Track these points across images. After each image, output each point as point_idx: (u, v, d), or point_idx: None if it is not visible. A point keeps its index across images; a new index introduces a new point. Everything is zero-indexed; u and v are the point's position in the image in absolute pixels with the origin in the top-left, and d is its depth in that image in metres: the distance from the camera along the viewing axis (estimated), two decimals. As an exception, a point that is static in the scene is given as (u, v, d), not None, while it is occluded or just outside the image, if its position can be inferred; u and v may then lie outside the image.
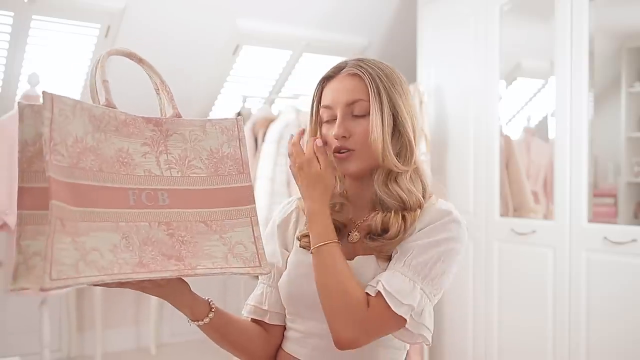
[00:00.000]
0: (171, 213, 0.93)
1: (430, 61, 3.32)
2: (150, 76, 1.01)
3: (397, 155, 1.08)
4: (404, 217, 1.07)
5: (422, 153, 3.07)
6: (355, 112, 1.08)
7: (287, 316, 1.15)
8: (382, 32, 3.69)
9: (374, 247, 1.06)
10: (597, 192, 2.84)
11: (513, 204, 3.06)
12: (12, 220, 2.67)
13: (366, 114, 1.08)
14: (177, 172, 0.95)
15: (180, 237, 0.92)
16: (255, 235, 0.99)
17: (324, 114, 1.11)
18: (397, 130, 1.08)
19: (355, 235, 1.12)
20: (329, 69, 1.13)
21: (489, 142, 2.99)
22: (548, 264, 2.72)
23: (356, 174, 1.11)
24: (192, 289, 1.04)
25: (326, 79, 1.13)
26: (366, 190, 1.13)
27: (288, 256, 1.16)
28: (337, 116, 1.09)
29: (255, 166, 3.23)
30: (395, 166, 1.07)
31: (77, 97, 3.38)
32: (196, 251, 0.93)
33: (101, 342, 3.56)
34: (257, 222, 1.00)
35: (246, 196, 1.00)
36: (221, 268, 0.94)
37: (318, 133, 1.14)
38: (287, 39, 3.51)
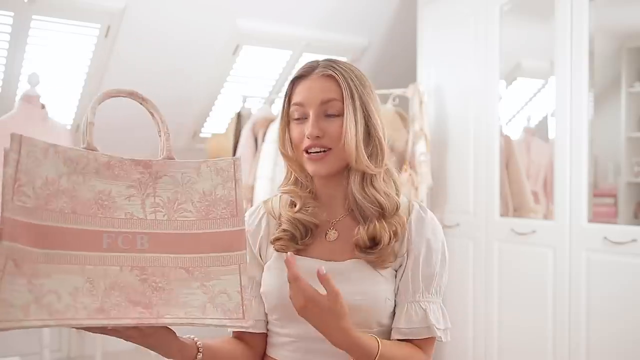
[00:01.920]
0: (148, 258, 0.89)
1: (430, 61, 3.32)
2: (152, 115, 1.00)
3: (369, 156, 1.10)
4: (389, 224, 1.09)
5: (422, 153, 3.07)
6: (329, 112, 1.09)
7: (273, 322, 1.14)
8: (382, 32, 3.69)
9: (371, 259, 1.08)
10: (597, 192, 2.84)
11: (513, 204, 3.06)
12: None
13: (339, 114, 1.09)
14: (163, 215, 0.92)
15: (153, 283, 0.88)
16: (243, 284, 0.93)
17: (295, 112, 1.12)
18: (369, 132, 1.10)
19: (332, 234, 1.13)
20: (301, 69, 1.14)
21: (489, 142, 2.99)
22: (548, 264, 2.72)
23: (327, 176, 1.12)
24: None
25: (298, 78, 1.13)
26: (336, 190, 1.15)
27: (264, 263, 1.16)
28: (308, 115, 1.10)
29: (255, 166, 3.23)
30: (368, 167, 1.09)
31: (77, 97, 3.37)
32: (170, 299, 0.89)
33: (101, 342, 3.56)
34: (246, 269, 0.94)
35: (237, 241, 0.94)
36: (193, 318, 0.89)
37: (286, 131, 1.14)
38: (287, 39, 3.51)
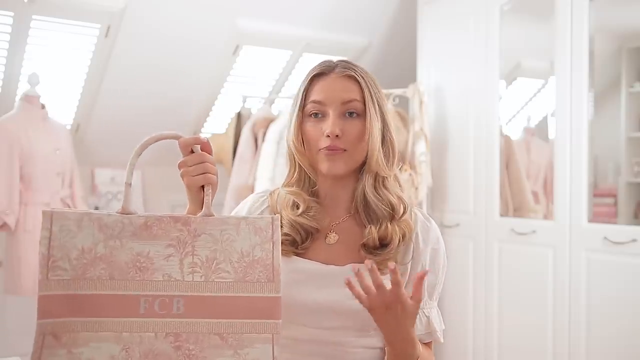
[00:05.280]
0: (183, 323, 0.89)
1: (430, 61, 3.32)
2: None
3: (384, 158, 1.12)
4: (399, 227, 1.10)
5: (422, 153, 3.07)
6: (348, 112, 1.10)
7: None
8: (382, 32, 3.69)
9: (376, 261, 1.07)
10: (597, 192, 2.84)
11: (513, 204, 3.06)
12: (12, 220, 2.67)
13: (358, 115, 1.10)
14: (201, 276, 0.90)
15: (187, 351, 0.88)
16: (275, 355, 0.90)
17: (312, 109, 1.11)
18: (383, 135, 1.12)
19: (333, 237, 1.13)
20: (319, 66, 1.14)
21: (489, 142, 2.99)
22: (548, 264, 2.72)
23: (339, 176, 1.12)
24: None
25: (317, 76, 1.13)
26: (343, 190, 1.15)
27: None
28: (327, 113, 1.10)
29: (255, 166, 3.23)
30: (383, 169, 1.10)
31: (77, 97, 3.37)
32: None
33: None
34: (279, 340, 0.92)
35: (273, 309, 0.91)
36: None
37: (300, 127, 1.12)
38: (287, 39, 3.51)
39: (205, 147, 0.99)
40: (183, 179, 0.99)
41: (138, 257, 0.89)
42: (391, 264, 0.92)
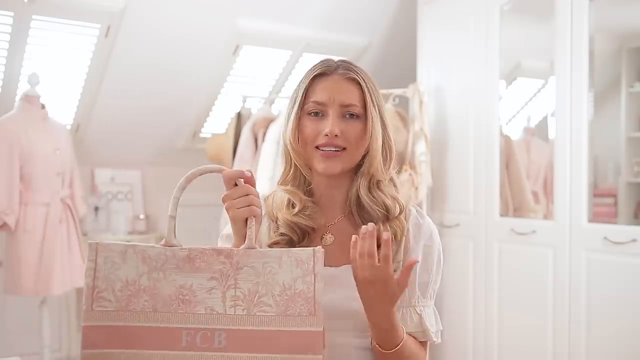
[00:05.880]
0: (224, 357, 0.88)
1: (430, 61, 3.32)
2: None
3: (381, 161, 1.12)
4: (391, 227, 1.10)
5: (422, 153, 3.07)
6: (348, 114, 1.10)
7: None
8: (382, 32, 3.69)
9: None
10: (597, 192, 2.84)
11: (513, 204, 3.06)
12: (12, 220, 2.67)
13: (358, 117, 1.10)
14: (243, 309, 0.90)
15: None
16: None
17: (312, 108, 1.11)
18: (382, 137, 1.12)
19: (329, 238, 1.13)
20: (320, 66, 1.14)
21: (489, 142, 2.99)
22: (548, 264, 2.72)
23: (335, 175, 1.12)
24: None
25: (318, 75, 1.13)
26: (338, 190, 1.15)
27: None
28: (327, 112, 1.10)
29: (255, 166, 3.23)
30: (380, 172, 1.11)
31: (77, 97, 3.37)
32: None
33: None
34: None
35: (314, 343, 0.90)
36: None
37: (296, 126, 1.12)
38: (287, 39, 3.51)
39: (249, 180, 0.99)
40: (228, 212, 1.00)
41: (181, 290, 0.90)
42: (385, 234, 0.93)
